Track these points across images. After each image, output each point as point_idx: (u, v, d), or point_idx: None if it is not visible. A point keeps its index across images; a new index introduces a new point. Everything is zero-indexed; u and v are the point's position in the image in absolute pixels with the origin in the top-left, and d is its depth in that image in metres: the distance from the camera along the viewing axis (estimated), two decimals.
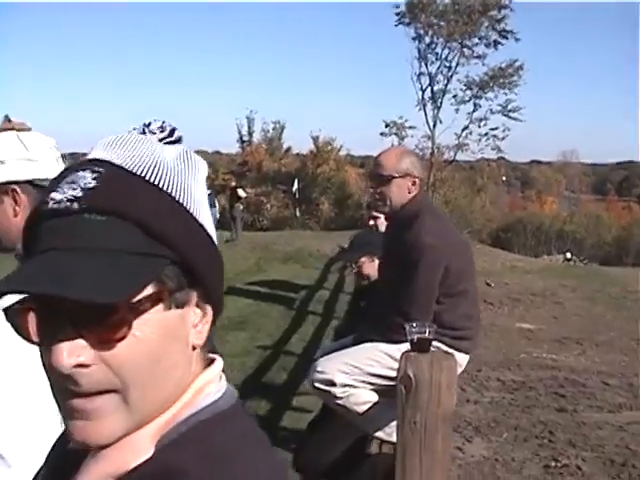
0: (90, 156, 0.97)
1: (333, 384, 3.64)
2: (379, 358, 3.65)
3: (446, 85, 39.52)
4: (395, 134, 39.45)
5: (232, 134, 52.68)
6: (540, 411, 7.60)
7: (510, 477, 5.89)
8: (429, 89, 39.50)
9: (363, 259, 4.76)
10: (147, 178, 0.94)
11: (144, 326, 0.90)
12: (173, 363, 0.97)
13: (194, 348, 1.01)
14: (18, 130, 2.21)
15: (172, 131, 1.02)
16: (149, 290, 0.90)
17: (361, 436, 4.62)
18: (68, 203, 0.90)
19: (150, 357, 0.92)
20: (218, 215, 22.92)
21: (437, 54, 38.79)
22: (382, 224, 6.71)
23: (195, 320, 1.00)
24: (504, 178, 56.95)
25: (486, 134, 39.13)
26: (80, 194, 0.90)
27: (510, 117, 38.40)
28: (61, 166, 2.27)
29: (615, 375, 9.21)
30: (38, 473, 1.19)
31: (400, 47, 63.74)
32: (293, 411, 7.23)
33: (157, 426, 0.97)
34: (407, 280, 3.55)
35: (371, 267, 4.69)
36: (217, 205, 23.21)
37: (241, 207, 24.78)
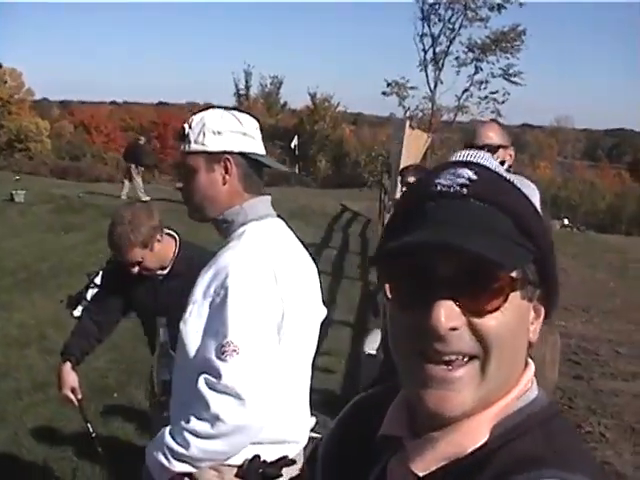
0: (461, 159, 1.11)
1: None
2: None
3: (448, 47, 39.46)
4: (396, 94, 39.48)
5: (226, 87, 52.49)
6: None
7: None
8: (431, 50, 39.46)
9: None
10: (511, 181, 1.09)
11: (509, 304, 1.00)
12: (520, 347, 1.08)
13: (529, 344, 1.10)
14: None
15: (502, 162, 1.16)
16: (518, 274, 1.01)
17: None
18: (458, 188, 1.03)
19: (511, 333, 1.01)
20: None
21: (440, 15, 38.69)
22: None
23: (531, 318, 1.09)
24: None
25: (486, 97, 39.22)
26: (467, 183, 1.03)
27: (511, 81, 38.45)
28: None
29: (624, 344, 9.39)
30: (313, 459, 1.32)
31: (403, 7, 63.16)
32: (319, 372, 7.39)
33: (495, 411, 1.05)
34: None
35: None
36: None
37: None
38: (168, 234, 3.77)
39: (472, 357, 1.00)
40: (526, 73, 38.42)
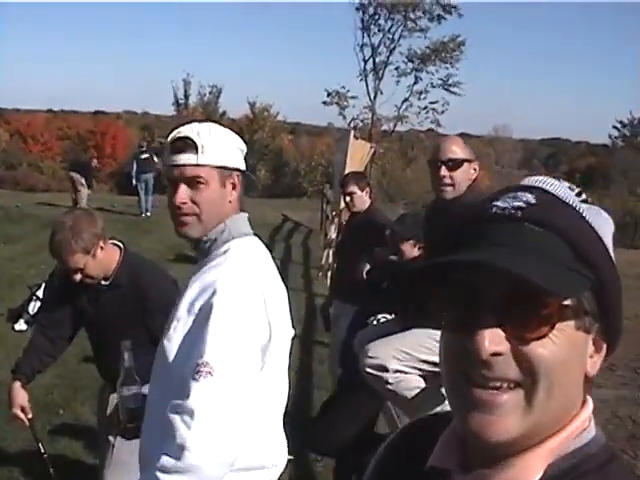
0: (525, 183, 1.09)
1: (386, 370, 3.72)
2: (430, 345, 3.68)
3: (388, 57, 39.53)
4: (337, 103, 39.56)
5: (164, 96, 52.18)
6: None
7: None
8: (371, 60, 39.63)
9: (411, 241, 4.79)
10: (575, 207, 1.06)
11: (559, 332, 0.98)
12: (575, 380, 1.03)
13: (586, 378, 1.06)
14: None
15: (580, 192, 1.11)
16: (571, 302, 0.99)
17: (371, 417, 4.78)
18: (513, 211, 1.02)
19: (560, 363, 0.98)
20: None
21: (380, 25, 38.86)
22: (359, 199, 6.73)
23: (590, 352, 1.05)
24: None
25: (425, 107, 39.50)
26: (524, 206, 1.02)
27: (450, 91, 38.77)
28: None
29: None
30: None
31: (343, 17, 63.25)
32: None
33: (548, 449, 1.02)
34: None
35: (411, 251, 4.80)
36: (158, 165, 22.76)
37: None
38: (113, 243, 3.75)
39: (517, 384, 0.99)
40: (465, 83, 38.80)
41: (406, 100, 39.68)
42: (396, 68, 39.57)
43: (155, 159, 22.16)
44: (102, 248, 3.57)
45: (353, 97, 39.72)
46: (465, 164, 3.84)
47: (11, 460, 5.77)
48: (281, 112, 52.84)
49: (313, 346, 9.45)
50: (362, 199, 6.73)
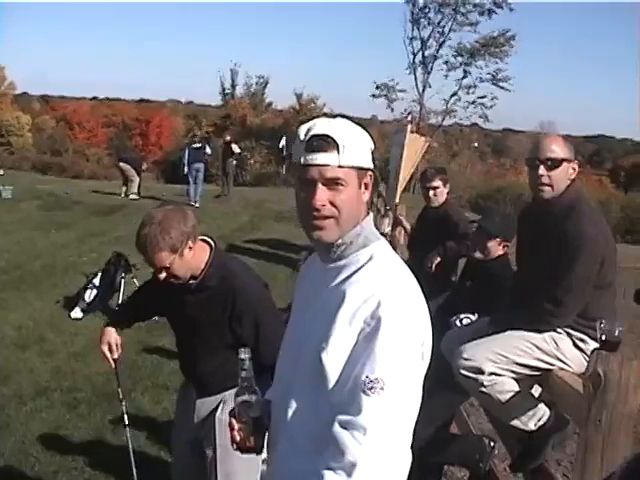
0: None
1: (481, 372, 3.63)
2: (526, 348, 3.64)
3: (437, 50, 39.54)
4: (385, 96, 39.51)
5: (210, 86, 52.28)
6: None
7: None
8: (420, 53, 39.48)
9: (498, 239, 4.74)
10: None
11: None
12: None
13: None
14: None
15: None
16: None
17: (448, 418, 4.68)
18: None
19: None
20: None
21: (430, 19, 38.68)
22: (441, 194, 6.72)
23: None
24: (476, 144, 57.08)
25: (473, 102, 39.31)
26: None
27: (499, 86, 38.56)
28: None
29: None
30: None
31: (393, 9, 62.68)
32: None
33: None
34: (566, 269, 3.54)
35: (497, 249, 4.74)
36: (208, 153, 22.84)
37: (234, 162, 24.40)
38: (203, 240, 3.58)
39: None
40: (514, 78, 38.50)
41: (454, 94, 39.56)
42: (445, 62, 39.63)
43: (207, 150, 22.20)
44: (191, 248, 3.40)
45: (402, 90, 39.64)
46: (564, 163, 3.70)
47: (75, 449, 5.74)
48: (327, 104, 52.64)
49: None
50: (444, 194, 6.77)
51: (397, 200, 12.22)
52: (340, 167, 2.08)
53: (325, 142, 2.07)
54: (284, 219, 21.29)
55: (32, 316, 9.60)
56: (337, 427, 1.96)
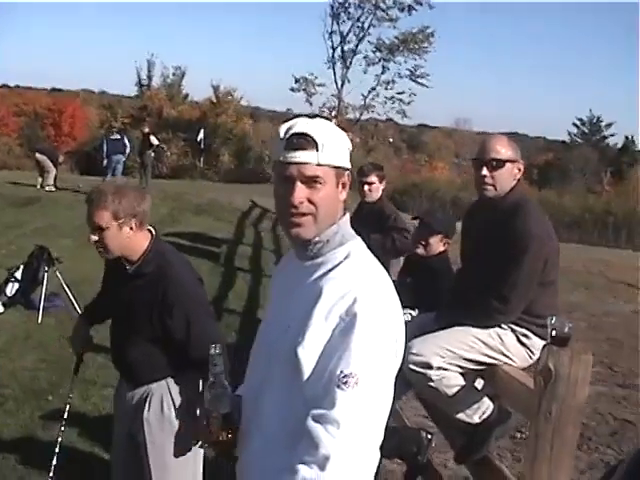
0: None
1: (429, 367, 3.68)
2: (472, 343, 3.71)
3: (357, 45, 39.69)
4: (304, 90, 39.56)
5: (126, 77, 51.68)
6: None
7: None
8: (340, 48, 39.63)
9: (440, 236, 4.77)
10: None
11: None
12: None
13: None
14: None
15: None
16: None
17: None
18: None
19: None
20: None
21: (350, 14, 38.83)
22: (376, 190, 6.76)
23: None
24: (391, 140, 57.66)
25: (392, 97, 39.67)
26: None
27: (417, 82, 39.02)
28: None
29: None
30: None
31: (314, 3, 62.59)
32: None
33: None
34: (512, 267, 3.61)
35: (438, 245, 4.76)
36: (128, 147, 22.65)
37: (152, 154, 24.11)
38: (148, 229, 3.60)
39: None
40: (432, 75, 39.02)
41: (373, 89, 39.84)
42: (364, 57, 39.73)
43: (126, 141, 21.96)
44: (132, 229, 3.44)
45: (321, 84, 39.77)
46: (508, 164, 3.76)
47: (8, 447, 5.58)
48: (245, 97, 52.45)
49: None
50: (379, 190, 6.83)
51: None
52: (319, 165, 2.12)
53: (305, 140, 2.11)
54: (204, 212, 21.19)
55: None
56: (311, 421, 1.97)
